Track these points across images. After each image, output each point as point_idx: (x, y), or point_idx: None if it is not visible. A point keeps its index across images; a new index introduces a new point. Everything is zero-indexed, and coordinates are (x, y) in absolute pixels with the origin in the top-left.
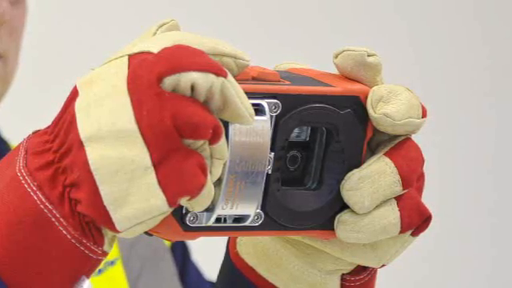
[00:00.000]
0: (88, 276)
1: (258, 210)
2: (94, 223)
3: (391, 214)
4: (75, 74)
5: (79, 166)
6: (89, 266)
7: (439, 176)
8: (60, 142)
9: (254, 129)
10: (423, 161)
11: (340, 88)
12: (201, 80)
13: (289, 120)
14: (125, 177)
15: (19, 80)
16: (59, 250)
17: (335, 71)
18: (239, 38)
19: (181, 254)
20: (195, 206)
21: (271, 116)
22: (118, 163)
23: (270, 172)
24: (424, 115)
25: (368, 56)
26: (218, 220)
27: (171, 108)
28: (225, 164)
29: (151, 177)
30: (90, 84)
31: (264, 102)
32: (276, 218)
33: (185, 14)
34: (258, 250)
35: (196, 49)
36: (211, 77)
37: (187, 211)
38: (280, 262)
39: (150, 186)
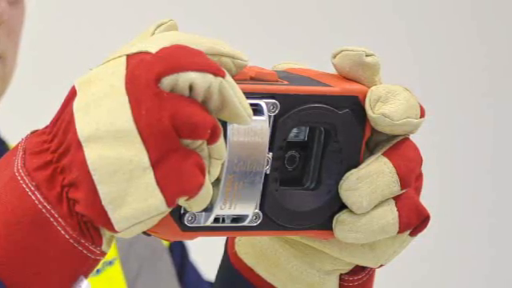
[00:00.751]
0: (86, 276)
1: (257, 210)
2: (93, 223)
3: (389, 214)
4: (74, 73)
5: (77, 165)
6: (87, 265)
7: (438, 176)
8: (58, 142)
9: (252, 129)
10: (421, 161)
11: (338, 88)
12: (199, 80)
13: (287, 120)
14: (123, 177)
15: (18, 80)
16: (57, 250)
17: (333, 71)
18: (237, 38)
19: (179, 254)
20: (193, 206)
21: (269, 116)
22: (116, 163)
23: (268, 172)
24: (422, 115)
25: (366, 56)
26: (216, 220)
27: (170, 108)
28: (223, 164)
29: (149, 177)
30: (89, 84)
31: (262, 102)
32: (274, 218)
33: (183, 14)
34: (256, 250)
35: (194, 49)
36: (209, 77)
37: (185, 211)
38: (278, 262)
39: (148, 185)
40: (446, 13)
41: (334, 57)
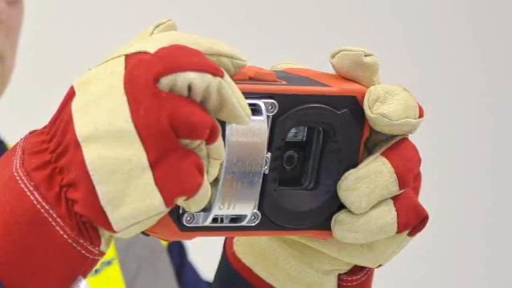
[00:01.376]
0: (85, 276)
1: (255, 210)
2: (91, 223)
3: (388, 214)
4: (73, 74)
5: (76, 166)
6: (86, 266)
7: (436, 176)
8: (57, 142)
9: (250, 129)
10: (420, 161)
11: (337, 88)
12: (198, 80)
13: (286, 120)
14: (122, 177)
15: (17, 80)
16: (56, 250)
17: (332, 71)
18: (236, 38)
19: (178, 254)
20: (192, 206)
21: (268, 116)
22: (114, 163)
23: (266, 172)
24: (421, 115)
25: (365, 56)
26: (214, 220)
27: (168, 108)
28: (222, 164)
29: (148, 177)
30: (87, 84)
31: (261, 102)
32: (273, 218)
33: (181, 14)
34: (254, 250)
35: (193, 49)
36: (208, 77)
37: (184, 211)
38: (277, 262)
39: (146, 185)
40: (445, 13)
41: (333, 57)
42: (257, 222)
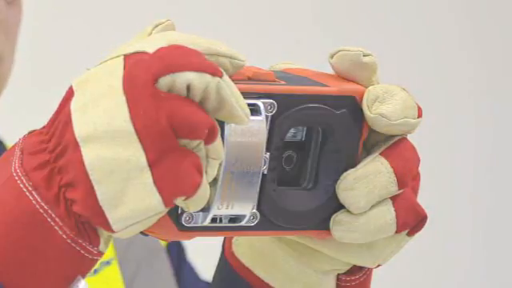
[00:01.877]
0: (84, 276)
1: (254, 210)
2: (90, 223)
3: (387, 214)
4: (72, 74)
5: (75, 166)
6: (85, 266)
7: (436, 176)
8: (56, 142)
9: (249, 129)
10: (419, 160)
11: (336, 88)
12: (196, 80)
13: (284, 120)
14: (120, 177)
15: (15, 80)
16: (55, 250)
17: (331, 71)
18: (234, 38)
19: (176, 254)
20: (191, 206)
21: (267, 116)
22: (113, 163)
23: (265, 172)
24: (419, 115)
25: (363, 56)
26: (213, 220)
27: (167, 108)
28: (220, 164)
29: (147, 177)
30: (86, 84)
31: (260, 102)
32: (272, 218)
33: (180, 14)
34: (253, 250)
35: (191, 49)
36: (207, 77)
37: (183, 211)
38: (276, 262)
39: (145, 186)
40: (444, 12)
41: (332, 57)
42: (256, 221)
